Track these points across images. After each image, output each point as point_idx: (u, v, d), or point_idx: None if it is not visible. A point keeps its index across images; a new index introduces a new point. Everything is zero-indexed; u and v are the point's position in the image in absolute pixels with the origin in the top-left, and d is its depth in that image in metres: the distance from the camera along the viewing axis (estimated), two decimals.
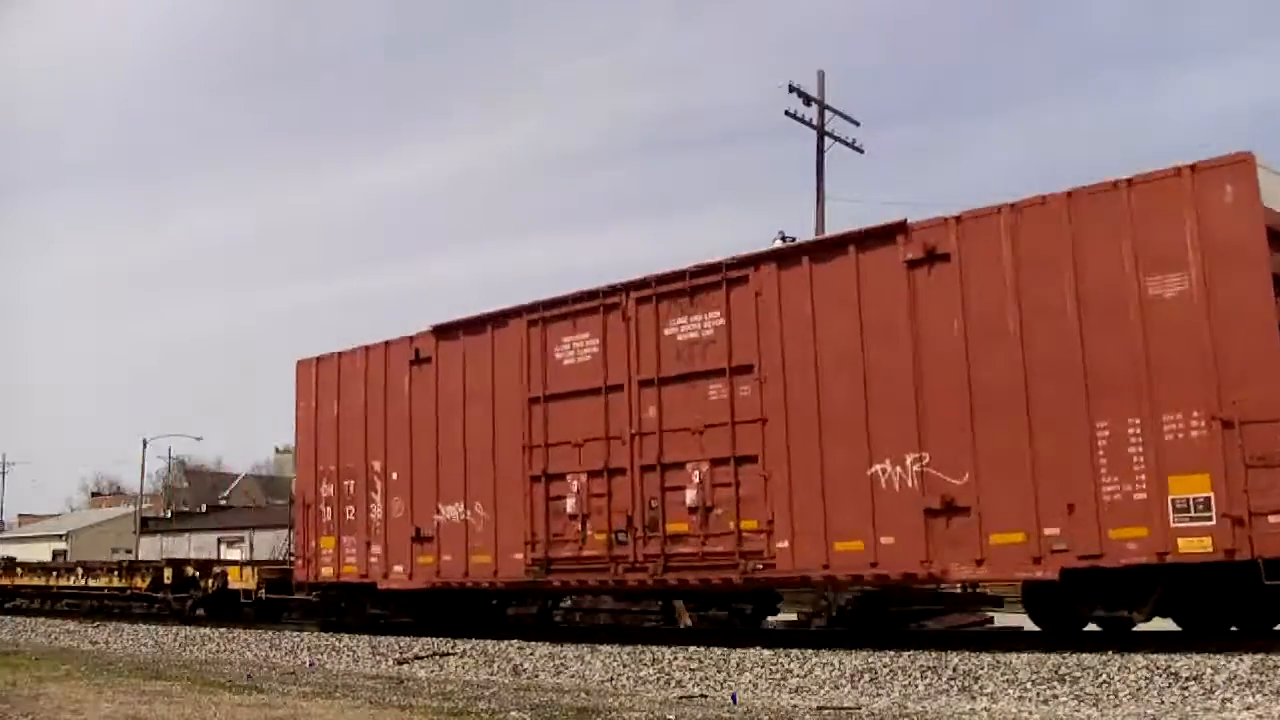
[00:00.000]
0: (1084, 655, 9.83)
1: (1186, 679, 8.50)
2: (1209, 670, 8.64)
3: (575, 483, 13.76)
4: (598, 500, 13.56)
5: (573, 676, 11.44)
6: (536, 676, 11.66)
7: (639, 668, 11.38)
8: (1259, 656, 9.01)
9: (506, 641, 14.21)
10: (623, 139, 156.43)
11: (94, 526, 72.63)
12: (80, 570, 25.44)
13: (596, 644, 13.20)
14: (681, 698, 9.57)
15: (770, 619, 16.39)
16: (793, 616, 16.72)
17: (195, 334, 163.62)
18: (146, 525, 63.68)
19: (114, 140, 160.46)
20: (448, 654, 13.53)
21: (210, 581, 20.96)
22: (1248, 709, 7.64)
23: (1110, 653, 9.88)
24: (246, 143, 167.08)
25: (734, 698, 9.47)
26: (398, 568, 15.73)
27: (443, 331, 15.64)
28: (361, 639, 15.44)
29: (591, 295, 13.95)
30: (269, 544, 50.61)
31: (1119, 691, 8.48)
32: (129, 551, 55.23)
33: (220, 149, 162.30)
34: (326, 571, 16.79)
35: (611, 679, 11.04)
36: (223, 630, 17.92)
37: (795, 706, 8.65)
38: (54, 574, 26.41)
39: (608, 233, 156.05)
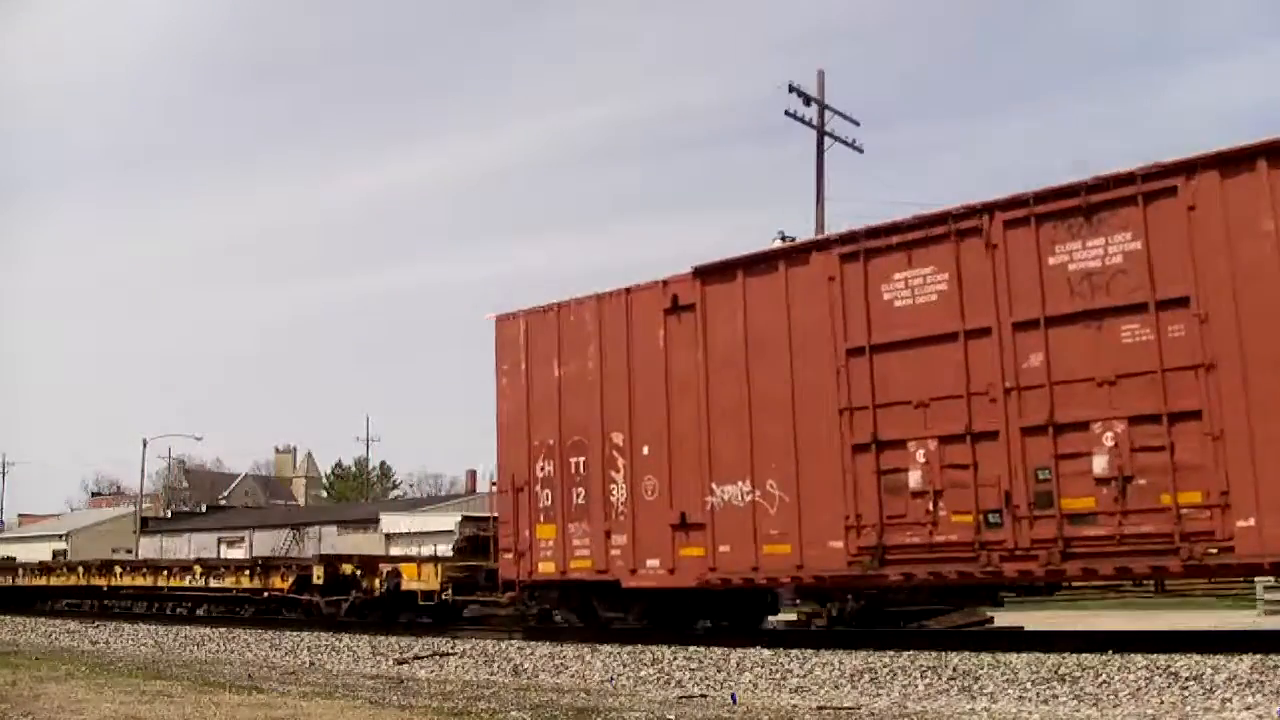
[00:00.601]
0: (1084, 655, 9.84)
1: (1186, 679, 8.51)
2: (1209, 670, 8.66)
3: (920, 451, 11.35)
4: (955, 472, 11.14)
5: (573, 676, 11.44)
6: (536, 676, 11.66)
7: (639, 668, 11.39)
8: (1259, 656, 9.03)
9: (506, 641, 14.21)
10: (622, 139, 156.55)
11: (94, 526, 72.61)
12: (199, 569, 21.86)
13: (597, 644, 13.20)
14: (681, 698, 9.57)
15: (770, 619, 16.38)
16: (793, 616, 16.73)
17: (195, 334, 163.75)
18: (146, 525, 63.69)
19: (114, 140, 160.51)
20: (448, 654, 13.53)
21: (378, 582, 17.81)
22: (1248, 709, 7.65)
23: (1110, 653, 9.91)
24: (247, 142, 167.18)
25: (734, 698, 9.47)
26: (652, 562, 13.18)
27: (710, 273, 13.11)
28: (361, 639, 15.42)
29: (938, 220, 11.52)
30: (269, 543, 50.75)
31: (1119, 691, 8.49)
32: (129, 551, 55.24)
33: (221, 148, 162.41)
34: (546, 567, 14.21)
35: (611, 679, 11.04)
36: (223, 630, 17.90)
37: (795, 706, 8.66)
38: (164, 573, 22.74)
39: (608, 232, 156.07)
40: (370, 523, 50.80)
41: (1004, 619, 16.98)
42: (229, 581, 20.82)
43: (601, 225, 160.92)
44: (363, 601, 18.00)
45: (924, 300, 11.53)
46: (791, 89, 26.59)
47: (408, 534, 43.37)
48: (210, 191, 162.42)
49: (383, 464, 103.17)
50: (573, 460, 14.10)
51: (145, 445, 63.56)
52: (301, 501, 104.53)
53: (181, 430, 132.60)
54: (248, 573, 20.36)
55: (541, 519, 14.32)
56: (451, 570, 16.84)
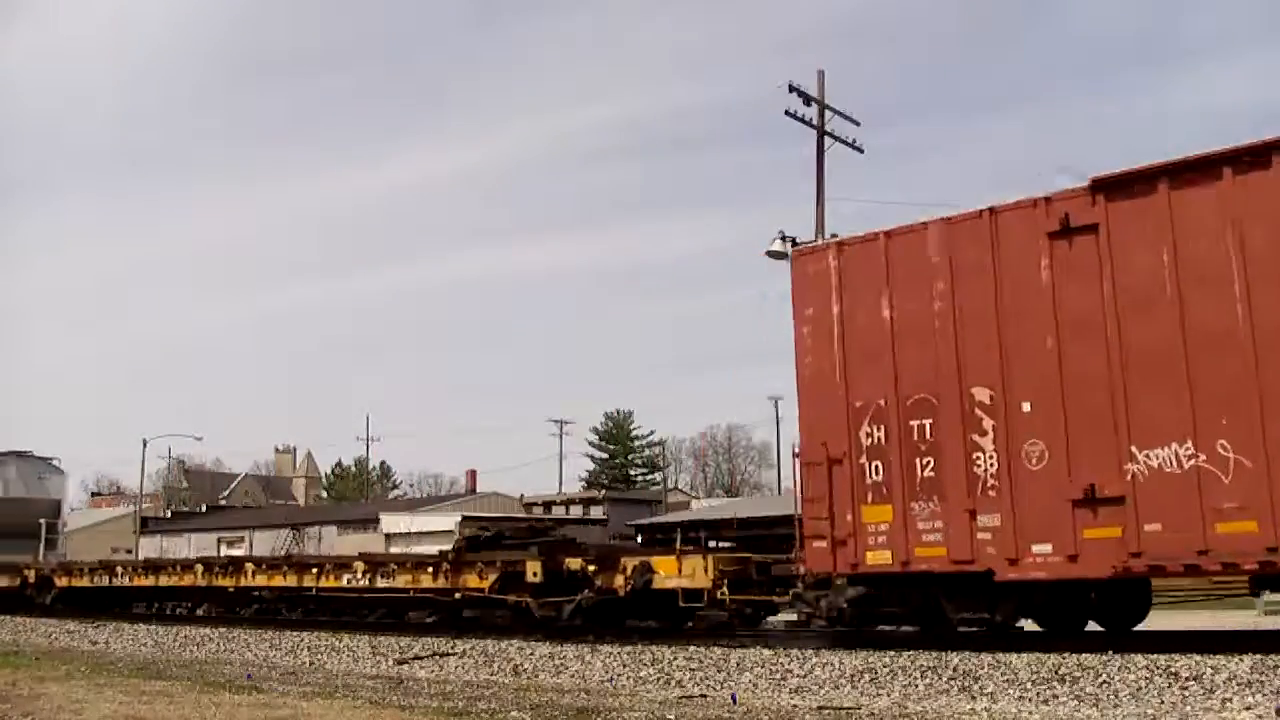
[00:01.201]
0: (1084, 655, 9.86)
1: (1186, 679, 8.53)
2: (1209, 670, 8.68)
3: None
4: None
5: (573, 676, 11.44)
6: (536, 676, 11.66)
7: (639, 668, 11.39)
8: (1259, 656, 9.05)
9: (506, 641, 14.19)
10: (622, 139, 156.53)
11: (94, 526, 72.59)
12: (361, 566, 18.21)
13: (596, 644, 13.19)
14: (681, 698, 9.57)
15: (770, 619, 16.36)
16: (793, 616, 16.72)
17: (195, 334, 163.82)
18: (146, 525, 63.71)
19: (114, 139, 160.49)
20: (448, 654, 13.52)
21: (620, 579, 14.79)
22: (1248, 709, 7.66)
23: (1110, 653, 9.92)
24: (248, 141, 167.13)
25: (734, 698, 9.47)
26: (1041, 547, 10.82)
27: (1116, 186, 10.77)
28: (361, 639, 15.41)
29: None
30: (269, 543, 50.74)
31: (1119, 691, 8.50)
32: (129, 551, 55.27)
33: (221, 147, 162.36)
34: (878, 557, 11.76)
35: (611, 679, 11.04)
36: (222, 630, 17.85)
37: (795, 706, 8.66)
38: (313, 571, 18.95)
39: (608, 232, 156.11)
40: (370, 523, 50.84)
41: None
42: (402, 580, 17.45)
43: (602, 225, 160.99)
44: (595, 603, 14.97)
45: None
46: (792, 89, 26.55)
47: (407, 534, 43.41)
48: (210, 191, 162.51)
49: (383, 464, 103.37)
50: (915, 423, 11.68)
51: (145, 445, 63.62)
52: (301, 501, 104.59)
53: (181, 430, 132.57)
54: (431, 570, 17.03)
55: (869, 498, 11.88)
56: (724, 563, 14.05)
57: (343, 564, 18.82)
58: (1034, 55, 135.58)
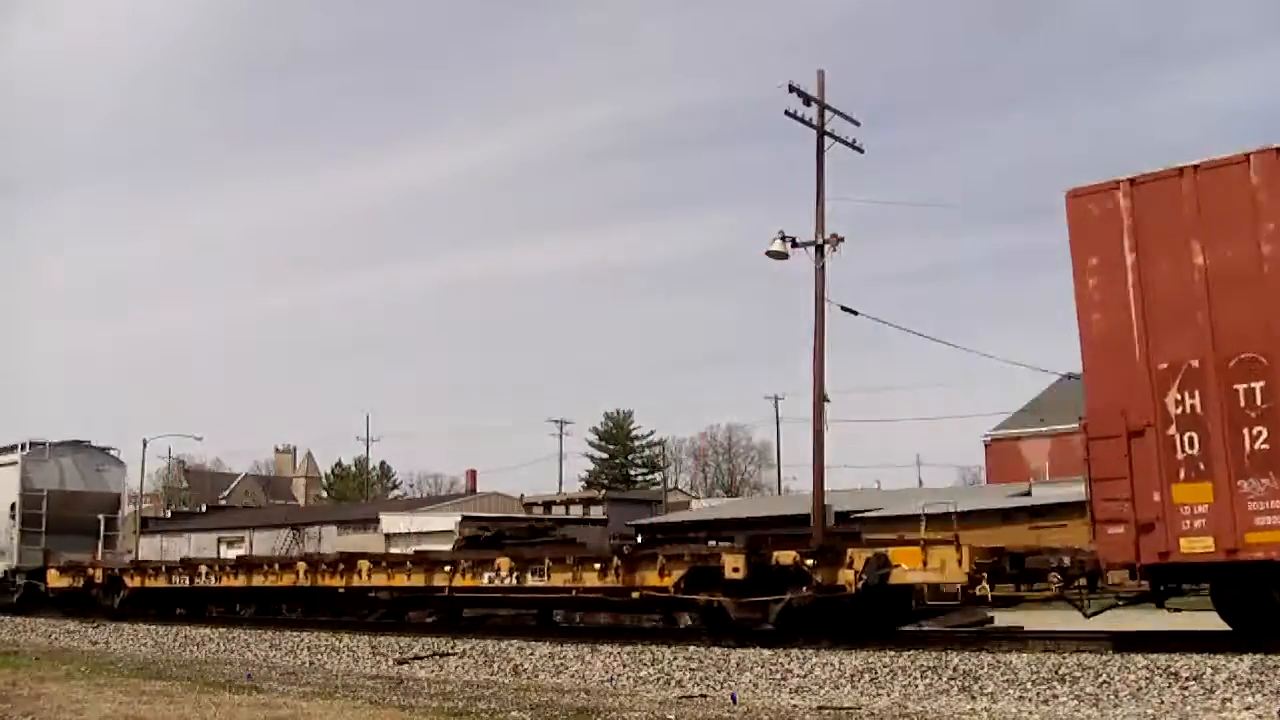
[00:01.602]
0: (1084, 655, 9.88)
1: (1186, 679, 8.54)
2: (1209, 670, 8.69)
3: None
4: None
5: (573, 676, 11.45)
6: (536, 676, 11.67)
7: (639, 668, 11.40)
8: (1259, 656, 9.06)
9: (506, 641, 14.19)
10: (622, 139, 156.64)
11: None
12: (506, 564, 15.67)
13: (596, 644, 13.19)
14: (681, 698, 9.58)
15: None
16: None
17: (195, 334, 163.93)
18: (146, 525, 63.73)
19: (114, 139, 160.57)
20: (448, 654, 13.53)
21: (848, 574, 12.54)
22: (1248, 709, 7.67)
23: (1110, 653, 9.93)
24: (247, 140, 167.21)
25: (734, 698, 9.48)
26: None
27: None
28: (361, 639, 15.42)
29: None
30: (269, 543, 50.77)
31: (1119, 691, 8.51)
32: (129, 552, 55.30)
33: (221, 147, 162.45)
34: (1196, 544, 10.12)
35: (611, 679, 11.05)
36: (222, 630, 17.84)
37: (795, 706, 8.67)
38: (445, 569, 16.42)
39: (608, 233, 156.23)
40: (370, 523, 50.86)
41: (1004, 619, 16.99)
42: (560, 579, 15.07)
43: (602, 225, 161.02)
44: (813, 602, 12.86)
45: None
46: (792, 89, 26.51)
47: (408, 534, 43.43)
48: (210, 190, 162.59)
49: (383, 464, 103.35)
50: (1241, 387, 10.09)
51: (145, 445, 63.51)
52: (301, 501, 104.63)
53: (181, 430, 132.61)
54: (597, 566, 14.67)
55: (1182, 474, 10.26)
56: (980, 554, 11.92)
57: (484, 560, 16.27)
58: (1034, 55, 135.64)
